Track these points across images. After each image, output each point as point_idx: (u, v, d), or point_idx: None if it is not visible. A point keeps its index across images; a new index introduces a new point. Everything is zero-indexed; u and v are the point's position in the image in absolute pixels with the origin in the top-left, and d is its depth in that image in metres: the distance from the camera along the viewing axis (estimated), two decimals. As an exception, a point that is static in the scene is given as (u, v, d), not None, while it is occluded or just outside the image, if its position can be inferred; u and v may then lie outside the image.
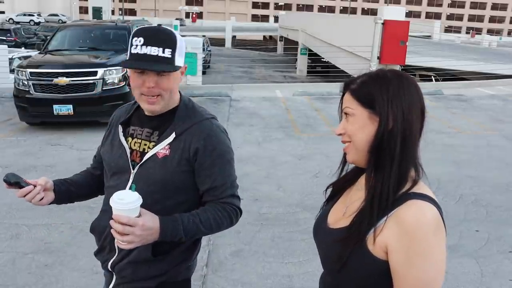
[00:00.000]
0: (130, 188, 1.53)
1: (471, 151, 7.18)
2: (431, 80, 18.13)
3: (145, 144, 1.60)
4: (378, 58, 13.46)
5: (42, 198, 1.57)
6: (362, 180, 1.24)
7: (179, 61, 1.54)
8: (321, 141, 7.57)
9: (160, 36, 1.51)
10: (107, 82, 7.74)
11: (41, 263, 3.66)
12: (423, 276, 1.04)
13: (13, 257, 3.73)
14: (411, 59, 15.57)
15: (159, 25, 1.59)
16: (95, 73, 7.68)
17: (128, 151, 1.61)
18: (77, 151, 6.73)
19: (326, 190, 1.38)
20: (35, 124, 8.07)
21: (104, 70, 7.71)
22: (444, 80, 18.18)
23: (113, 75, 7.78)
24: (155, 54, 1.48)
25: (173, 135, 1.55)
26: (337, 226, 1.21)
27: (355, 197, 1.23)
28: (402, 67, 14.98)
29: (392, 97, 1.12)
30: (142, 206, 1.37)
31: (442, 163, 6.49)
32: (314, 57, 23.98)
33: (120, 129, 1.67)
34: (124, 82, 7.90)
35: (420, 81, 18.66)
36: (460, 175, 6.03)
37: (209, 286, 3.39)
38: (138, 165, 1.57)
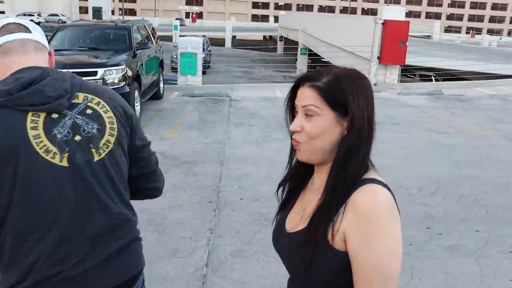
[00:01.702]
0: None
1: (471, 151, 7.18)
2: (431, 80, 18.14)
3: None
4: (378, 58, 13.47)
5: None
6: (314, 180, 1.23)
7: None
8: (321, 141, 7.57)
9: None
10: (107, 82, 7.73)
11: (41, 263, 3.65)
12: (378, 258, 1.04)
13: (13, 257, 3.72)
14: (411, 59, 15.57)
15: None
16: (95, 73, 7.68)
17: None
18: (77, 151, 6.73)
19: (277, 190, 1.34)
20: (35, 124, 8.07)
21: (104, 70, 7.71)
22: (444, 80, 18.19)
23: (113, 75, 7.77)
24: None
25: None
26: (295, 229, 1.20)
27: (310, 197, 1.22)
28: (402, 67, 15.01)
29: (362, 101, 1.12)
30: None
31: (442, 163, 6.49)
32: (314, 57, 24.01)
33: None
34: (124, 82, 7.90)
35: (420, 81, 18.69)
36: (460, 175, 6.03)
37: (209, 286, 3.39)
38: None
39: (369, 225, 1.04)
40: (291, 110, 1.21)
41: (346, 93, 1.11)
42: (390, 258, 1.05)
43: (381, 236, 1.04)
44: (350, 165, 1.10)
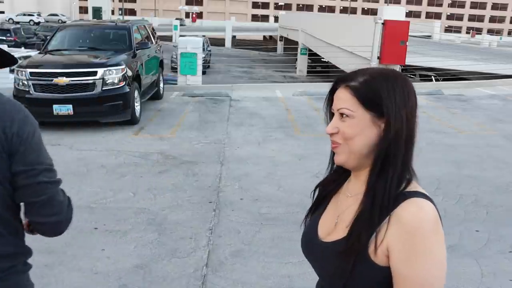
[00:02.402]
0: None
1: (471, 151, 7.18)
2: (431, 80, 18.14)
3: None
4: (378, 58, 13.46)
5: None
6: (349, 186, 1.20)
7: None
8: (321, 141, 7.57)
9: None
10: (107, 82, 7.74)
11: (41, 263, 3.65)
12: (426, 275, 1.02)
13: (13, 257, 3.72)
14: (411, 59, 15.56)
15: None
16: (95, 73, 7.68)
17: None
18: (77, 151, 6.73)
19: (314, 191, 1.30)
20: (35, 124, 8.06)
21: (104, 70, 7.71)
22: (444, 80, 18.18)
23: (113, 75, 7.77)
24: None
25: None
26: (331, 239, 1.15)
27: (345, 204, 1.17)
28: (402, 67, 14.99)
29: (399, 101, 1.08)
30: None
31: (442, 163, 6.48)
32: (314, 57, 23.98)
33: None
34: (124, 82, 7.90)
35: (420, 81, 18.68)
36: (460, 175, 6.02)
37: (209, 286, 3.39)
38: None
39: (416, 242, 1.01)
40: (331, 113, 1.18)
41: (380, 92, 1.08)
42: (436, 277, 1.03)
43: (428, 254, 1.02)
44: (389, 171, 1.07)
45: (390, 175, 1.07)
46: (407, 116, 1.09)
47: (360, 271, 1.06)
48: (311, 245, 1.22)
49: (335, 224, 1.17)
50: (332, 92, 1.17)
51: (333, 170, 1.25)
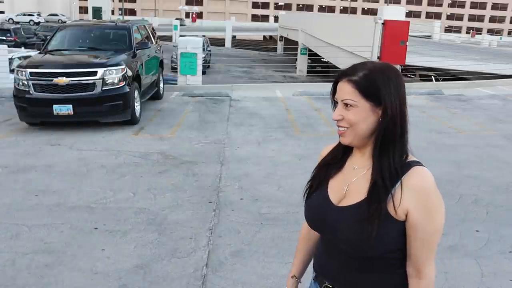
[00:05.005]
0: None
1: (471, 151, 7.18)
2: (431, 80, 18.13)
3: None
4: (378, 58, 13.46)
5: None
6: (354, 160, 1.40)
7: None
8: (321, 141, 7.57)
9: None
10: (107, 82, 7.73)
11: (41, 263, 3.65)
12: (438, 225, 1.29)
13: (13, 257, 3.72)
14: (411, 59, 15.57)
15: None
16: (95, 73, 7.68)
17: None
18: (77, 151, 6.73)
19: (315, 170, 1.49)
20: (34, 124, 8.07)
21: (104, 70, 7.71)
22: (444, 80, 18.18)
23: (113, 75, 7.77)
24: None
25: None
26: (347, 203, 1.34)
27: (352, 175, 1.38)
28: (402, 67, 15.00)
29: (394, 91, 1.29)
30: None
31: (442, 163, 6.48)
32: (314, 57, 23.99)
33: None
34: (124, 82, 7.90)
35: (420, 81, 18.69)
36: (460, 175, 6.02)
37: (209, 286, 3.39)
38: None
39: (431, 199, 1.27)
40: (335, 103, 1.38)
41: (378, 84, 1.28)
42: (442, 224, 1.31)
43: (439, 207, 1.29)
44: (390, 148, 1.30)
45: (391, 151, 1.30)
46: (400, 103, 1.30)
47: (383, 230, 1.27)
48: (325, 211, 1.39)
49: (345, 191, 1.37)
50: (335, 83, 1.36)
51: (338, 148, 1.45)
